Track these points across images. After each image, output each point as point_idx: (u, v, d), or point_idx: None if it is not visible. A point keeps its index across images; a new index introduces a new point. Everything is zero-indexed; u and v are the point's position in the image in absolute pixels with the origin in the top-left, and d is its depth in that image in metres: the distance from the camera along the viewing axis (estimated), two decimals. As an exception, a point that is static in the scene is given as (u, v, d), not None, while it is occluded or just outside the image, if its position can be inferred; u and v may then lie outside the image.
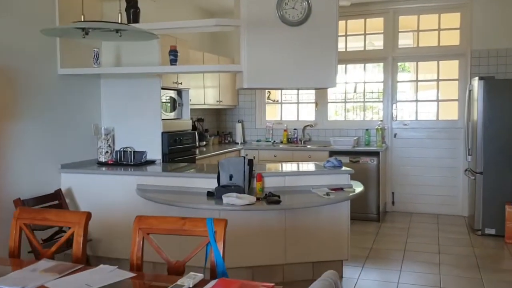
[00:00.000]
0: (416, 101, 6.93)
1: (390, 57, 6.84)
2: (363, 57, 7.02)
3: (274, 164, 4.64)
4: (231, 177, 3.79)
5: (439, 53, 6.68)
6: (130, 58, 4.80)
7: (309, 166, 4.57)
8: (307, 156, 6.51)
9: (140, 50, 4.76)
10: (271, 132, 7.38)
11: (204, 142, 6.85)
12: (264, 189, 3.95)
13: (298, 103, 7.52)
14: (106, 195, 4.31)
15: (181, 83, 5.23)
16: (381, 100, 7.05)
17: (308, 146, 6.92)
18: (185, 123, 5.36)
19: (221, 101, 6.89)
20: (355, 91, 7.40)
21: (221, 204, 3.51)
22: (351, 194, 3.92)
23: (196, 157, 5.45)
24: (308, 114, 7.46)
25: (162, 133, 4.80)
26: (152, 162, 4.78)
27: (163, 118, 4.96)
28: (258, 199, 3.61)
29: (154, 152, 4.84)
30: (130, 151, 4.76)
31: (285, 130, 7.25)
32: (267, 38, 4.03)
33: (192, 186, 4.02)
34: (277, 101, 7.74)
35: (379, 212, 6.31)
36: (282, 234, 4.00)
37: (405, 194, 6.89)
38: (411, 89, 7.04)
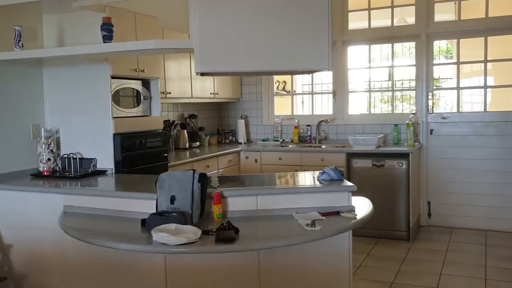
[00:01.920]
0: (458, 88, 5.55)
1: (423, 34, 5.48)
2: (391, 35, 5.69)
3: (258, 174, 3.48)
4: (173, 199, 2.65)
5: (487, 27, 5.27)
6: (73, 39, 3.74)
7: (297, 179, 3.38)
8: (320, 159, 5.29)
9: (84, 29, 3.70)
10: (279, 129, 6.19)
11: (198, 143, 5.75)
12: (228, 214, 2.81)
13: (312, 93, 6.29)
14: (30, 219, 3.27)
15: (143, 71, 4.12)
16: (414, 88, 5.73)
17: (323, 147, 5.69)
18: (154, 121, 4.25)
19: (217, 94, 5.75)
20: (389, 79, 6.12)
21: (151, 243, 2.39)
22: (352, 221, 2.71)
23: (171, 164, 4.34)
24: (325, 107, 6.23)
25: (114, 134, 3.72)
26: (102, 173, 3.72)
27: (121, 115, 3.89)
28: (207, 232, 2.47)
29: (107, 159, 3.77)
30: (76, 159, 3.72)
31: (296, 127, 6.04)
32: (229, 1, 2.85)
33: (131, 211, 2.91)
34: (289, 91, 6.56)
35: (409, 228, 5.02)
36: (255, 279, 2.84)
37: (445, 204, 5.54)
38: (451, 73, 5.68)
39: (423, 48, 5.50)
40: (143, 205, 2.84)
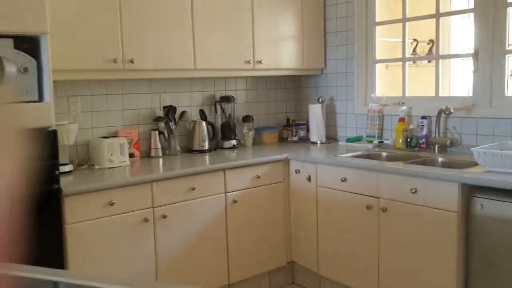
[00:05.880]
0: None
1: None
2: None
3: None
4: None
5: None
6: None
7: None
8: (409, 190, 2.63)
9: None
10: (377, 122, 3.57)
11: (233, 142, 3.62)
12: None
13: (436, 58, 3.45)
14: None
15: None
16: None
17: (440, 160, 2.97)
18: (37, 111, 2.32)
19: (260, 62, 3.47)
20: None
21: None
22: None
23: (69, 190, 2.40)
24: (463, 84, 3.40)
25: None
26: None
27: None
28: None
29: None
30: None
31: (401, 120, 3.36)
32: None
33: None
34: (418, 55, 3.85)
35: None
36: None
37: None
38: None
39: None
40: None
